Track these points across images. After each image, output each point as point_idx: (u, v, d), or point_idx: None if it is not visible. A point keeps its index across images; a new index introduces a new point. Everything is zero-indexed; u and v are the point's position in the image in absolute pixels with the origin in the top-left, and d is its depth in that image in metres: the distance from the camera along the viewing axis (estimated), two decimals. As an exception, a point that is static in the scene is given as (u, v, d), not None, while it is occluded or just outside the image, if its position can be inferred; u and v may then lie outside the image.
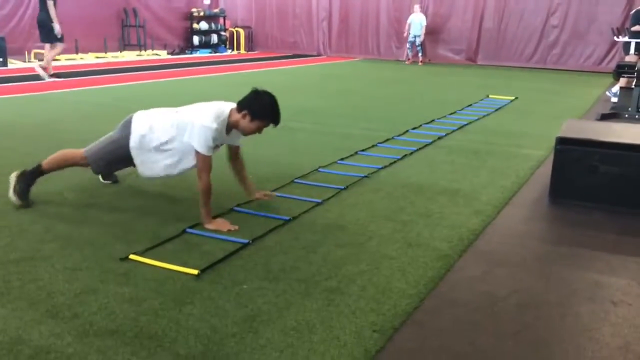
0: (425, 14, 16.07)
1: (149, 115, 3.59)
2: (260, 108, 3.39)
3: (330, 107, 7.89)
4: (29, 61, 12.80)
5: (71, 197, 3.84)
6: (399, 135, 6.04)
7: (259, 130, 3.47)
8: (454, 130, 6.39)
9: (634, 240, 3.42)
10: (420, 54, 15.54)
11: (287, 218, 3.51)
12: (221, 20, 17.98)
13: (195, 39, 16.93)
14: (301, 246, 3.13)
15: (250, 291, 2.61)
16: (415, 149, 5.44)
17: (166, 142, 3.46)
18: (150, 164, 3.54)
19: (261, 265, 2.89)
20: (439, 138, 5.97)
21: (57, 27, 9.68)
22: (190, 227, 3.33)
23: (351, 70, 13.52)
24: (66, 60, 13.18)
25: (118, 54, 14.58)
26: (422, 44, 15.47)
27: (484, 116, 7.39)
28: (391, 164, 4.89)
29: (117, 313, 2.39)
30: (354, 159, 5.05)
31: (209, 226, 3.35)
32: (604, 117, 7.40)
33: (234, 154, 3.77)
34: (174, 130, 3.44)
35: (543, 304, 2.60)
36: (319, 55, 17.68)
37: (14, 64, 12.19)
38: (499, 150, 5.52)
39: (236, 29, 18.17)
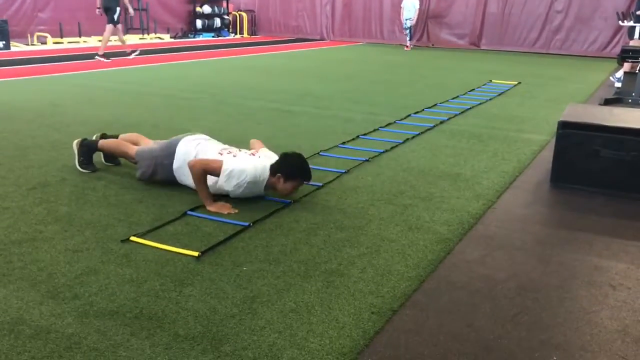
0: (429, -2, 16.01)
1: (197, 145, 3.70)
2: (290, 170, 3.50)
3: (332, 91, 7.87)
4: (31, 44, 12.76)
5: (73, 180, 3.84)
6: (400, 120, 6.02)
7: (294, 189, 3.56)
8: (456, 115, 6.37)
9: (635, 224, 3.41)
10: (408, 39, 15.22)
11: (288, 201, 3.51)
12: (224, 3, 17.88)
13: (198, 23, 16.86)
14: (302, 229, 3.14)
15: (250, 273, 2.62)
16: (417, 133, 5.43)
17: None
18: (190, 184, 3.63)
19: (261, 247, 2.90)
20: (441, 122, 5.95)
21: (118, 11, 10.69)
22: (191, 210, 3.34)
23: (354, 55, 13.45)
24: (69, 44, 13.14)
25: (120, 37, 14.51)
26: (412, 28, 15.18)
27: (486, 101, 7.36)
28: (392, 148, 4.88)
29: (117, 294, 2.41)
30: (355, 143, 5.05)
31: (210, 208, 3.39)
32: (608, 102, 7.36)
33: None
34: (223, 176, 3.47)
35: (542, 287, 2.61)
36: (322, 39, 17.60)
37: (17, 46, 12.16)
38: (501, 134, 5.50)
39: (239, 12, 18.08)
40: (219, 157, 3.52)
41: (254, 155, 3.63)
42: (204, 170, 3.42)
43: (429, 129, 5.63)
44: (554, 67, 11.78)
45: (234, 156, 3.55)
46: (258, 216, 3.28)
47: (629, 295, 2.55)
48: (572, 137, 3.93)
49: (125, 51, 11.11)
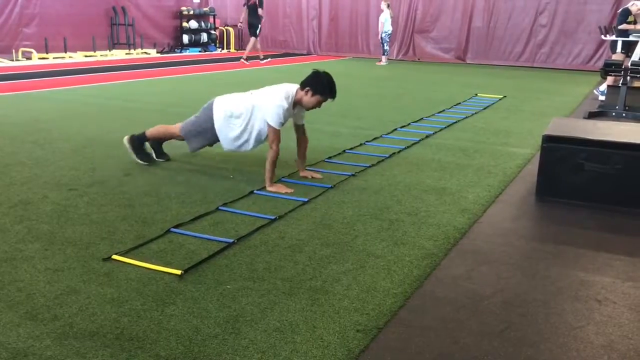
0: (415, 12, 16.12)
1: (228, 100, 4.21)
2: (319, 85, 4.01)
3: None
4: (16, 59, 12.69)
5: (54, 197, 3.79)
6: (387, 134, 6.03)
7: (318, 104, 4.09)
8: (442, 129, 6.39)
9: (619, 238, 3.42)
10: (386, 54, 15.02)
11: (273, 217, 3.49)
12: (211, 19, 17.89)
13: (185, 38, 16.85)
14: (287, 245, 3.11)
15: (233, 291, 2.59)
16: (403, 147, 5.43)
17: (243, 123, 4.13)
18: (232, 141, 4.20)
19: (246, 264, 2.86)
20: (427, 136, 5.96)
21: (259, 27, 14.05)
22: (175, 227, 3.30)
23: (341, 69, 13.48)
24: (54, 59, 13.08)
25: (107, 52, 14.48)
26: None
27: (472, 114, 7.39)
28: (379, 162, 4.88)
29: (97, 314, 2.36)
30: (341, 157, 5.04)
31: (270, 188, 3.95)
32: (592, 115, 7.43)
33: (301, 132, 4.37)
34: (249, 111, 4.10)
35: (528, 302, 2.59)
36: (309, 53, 17.64)
37: (1, 62, 12.07)
38: (487, 148, 5.52)
39: (226, 27, 18.10)
40: (249, 106, 4.08)
41: (274, 88, 4.12)
42: (278, 143, 4.00)
43: (415, 143, 5.63)
44: (539, 80, 11.88)
45: (260, 94, 4.08)
46: (242, 232, 3.25)
47: (614, 310, 2.54)
48: (556, 150, 3.94)
49: (259, 56, 14.18)
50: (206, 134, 4.28)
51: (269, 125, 4.03)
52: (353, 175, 4.47)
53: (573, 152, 3.89)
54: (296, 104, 4.11)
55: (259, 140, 4.25)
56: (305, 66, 14.05)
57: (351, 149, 5.33)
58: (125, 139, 4.58)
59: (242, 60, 13.84)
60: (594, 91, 9.70)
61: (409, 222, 3.50)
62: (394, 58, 16.35)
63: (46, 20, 13.51)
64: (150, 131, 4.58)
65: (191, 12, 17.10)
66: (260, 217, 3.50)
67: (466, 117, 7.19)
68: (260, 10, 14.10)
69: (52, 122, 6.21)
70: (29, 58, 12.87)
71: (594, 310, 2.53)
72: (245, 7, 14.29)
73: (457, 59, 15.86)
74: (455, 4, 15.66)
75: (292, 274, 2.77)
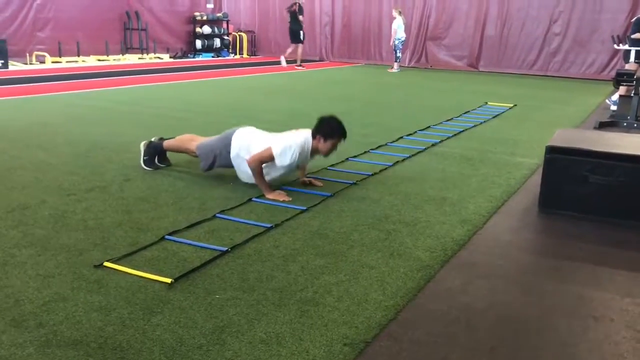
0: (427, 19, 16.08)
1: (248, 135, 4.24)
2: (329, 130, 4.09)
3: (325, 112, 7.76)
4: (30, 63, 12.80)
5: (53, 202, 3.79)
6: (392, 142, 5.98)
7: (334, 147, 4.13)
8: (448, 137, 6.33)
9: (622, 252, 3.35)
10: (397, 61, 14.91)
11: (269, 225, 3.46)
12: (224, 24, 17.97)
13: (198, 43, 16.93)
14: (281, 255, 3.08)
15: (222, 301, 2.56)
16: (407, 155, 5.38)
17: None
18: (245, 172, 4.18)
19: (237, 274, 2.83)
20: (433, 145, 5.91)
21: (301, 33, 14.74)
22: (169, 234, 3.28)
23: (351, 76, 13.47)
24: (67, 63, 13.19)
25: (120, 57, 14.58)
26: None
27: (480, 123, 7.33)
28: (381, 171, 4.84)
29: (83, 322, 2.34)
30: (344, 165, 5.00)
31: (269, 196, 3.97)
32: (603, 125, 7.33)
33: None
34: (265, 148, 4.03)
35: (522, 318, 2.54)
36: (321, 60, 17.65)
37: (15, 65, 12.20)
38: (492, 158, 5.45)
39: (239, 33, 18.16)
40: (266, 144, 4.03)
41: (294, 132, 4.16)
42: (260, 160, 3.98)
43: (420, 152, 5.58)
44: (551, 89, 11.77)
45: (278, 138, 4.07)
46: (237, 241, 3.22)
47: (611, 327, 2.47)
48: (560, 162, 3.88)
49: (295, 61, 14.80)
50: (221, 159, 4.29)
51: (269, 147, 3.97)
52: (354, 183, 4.43)
53: (576, 163, 3.83)
54: (313, 153, 4.18)
55: (275, 177, 4.19)
56: (318, 72, 14.06)
57: (354, 156, 5.29)
58: (143, 144, 4.63)
59: (296, 66, 14.54)
60: (606, 101, 9.59)
61: (407, 233, 3.46)
62: (406, 65, 16.30)
63: (60, 24, 13.63)
64: (168, 143, 4.62)
65: (204, 18, 17.18)
66: (257, 225, 3.47)
67: (474, 126, 7.12)
68: (300, 17, 14.58)
69: (58, 126, 6.24)
70: (43, 62, 12.99)
71: (589, 328, 2.47)
72: (288, 12, 14.83)
73: (469, 66, 15.78)
74: (468, 11, 15.59)
75: (284, 285, 2.73)
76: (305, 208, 3.80)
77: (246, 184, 4.27)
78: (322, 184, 4.33)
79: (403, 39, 14.70)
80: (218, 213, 3.66)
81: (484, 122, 7.46)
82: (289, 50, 14.92)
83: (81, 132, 5.96)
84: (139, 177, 4.41)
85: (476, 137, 6.47)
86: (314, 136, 4.09)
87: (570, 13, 14.41)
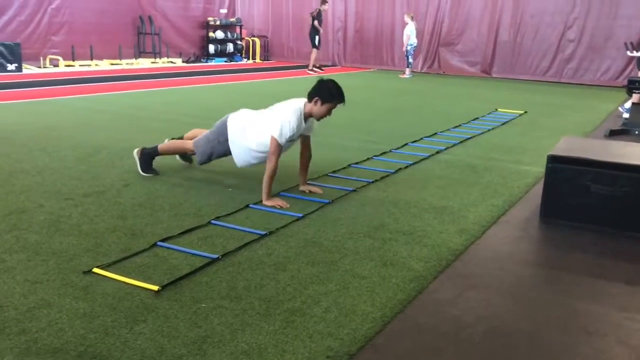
0: (440, 25, 16.00)
1: (241, 117, 4.26)
2: (326, 92, 4.02)
3: (332, 118, 7.75)
4: (44, 66, 12.92)
5: (50, 206, 3.79)
6: (397, 149, 5.93)
7: (329, 111, 4.08)
8: (454, 144, 6.26)
9: (621, 264, 3.27)
10: (408, 67, 14.76)
11: (263, 232, 3.43)
12: (237, 29, 18.02)
13: (211, 48, 16.98)
14: (272, 263, 3.05)
15: (208, 310, 2.53)
16: (411, 162, 5.33)
17: (255, 140, 4.13)
18: (243, 156, 4.23)
19: (226, 282, 2.80)
20: (438, 152, 5.85)
21: (317, 38, 14.75)
22: (162, 241, 3.26)
23: (362, 81, 13.43)
24: (80, 67, 13.29)
25: (133, 61, 14.67)
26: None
27: (488, 130, 7.25)
28: (382, 178, 4.79)
29: (65, 330, 2.32)
30: (346, 172, 4.96)
31: (267, 203, 3.94)
32: (614, 133, 7.22)
33: (306, 144, 4.32)
34: (261, 128, 4.09)
35: (513, 331, 2.48)
36: (333, 65, 17.63)
37: (29, 69, 12.31)
38: (497, 165, 5.38)
39: (252, 38, 18.21)
40: (261, 125, 4.08)
41: (285, 104, 4.15)
42: (276, 156, 3.98)
43: (424, 159, 5.53)
44: (564, 96, 11.64)
45: (271, 114, 4.08)
46: (229, 248, 3.19)
47: (604, 343, 2.41)
48: (561, 171, 3.81)
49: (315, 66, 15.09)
50: (219, 148, 4.31)
51: (272, 137, 3.99)
52: (354, 190, 4.39)
53: (579, 173, 3.76)
54: (307, 117, 4.13)
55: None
56: (333, 78, 14.01)
57: (357, 163, 5.25)
58: (135, 152, 4.61)
59: (308, 70, 14.81)
60: (619, 108, 9.45)
61: (402, 242, 3.41)
62: (419, 71, 16.22)
63: (74, 28, 13.74)
64: (163, 146, 4.62)
65: (218, 23, 17.24)
66: (251, 232, 3.44)
67: (482, 133, 7.05)
68: (315, 22, 14.64)
69: (64, 129, 6.27)
70: (56, 65, 13.10)
71: (582, 343, 2.41)
72: (310, 17, 15.02)
73: (482, 72, 15.66)
74: (482, 17, 15.49)
75: (272, 294, 2.70)
76: (301, 215, 3.77)
77: (243, 191, 4.25)
78: (321, 191, 4.30)
79: (415, 44, 14.65)
80: (213, 219, 3.63)
81: (492, 129, 7.39)
82: (313, 55, 15.15)
83: (86, 136, 5.98)
84: (138, 182, 4.40)
85: (482, 144, 6.40)
86: (310, 98, 4.05)
87: (585, 19, 14.26)
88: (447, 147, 6.09)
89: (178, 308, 2.53)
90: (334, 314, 2.53)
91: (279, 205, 3.92)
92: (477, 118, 8.17)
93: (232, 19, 17.94)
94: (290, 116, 4.00)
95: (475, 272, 3.07)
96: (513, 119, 8.29)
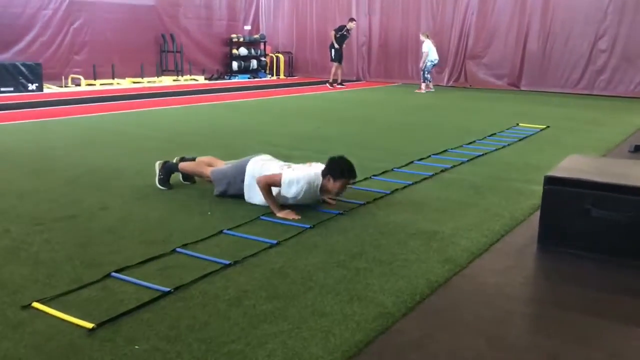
0: (467, 37, 15.65)
1: (262, 163, 4.30)
2: (337, 171, 4.06)
3: (343, 135, 7.56)
4: (65, 86, 13.04)
5: (15, 232, 3.63)
6: (399, 167, 5.64)
7: (343, 187, 4.11)
8: (462, 162, 5.94)
9: (622, 300, 2.92)
10: (429, 81, 14.27)
11: (227, 262, 3.19)
12: (261, 45, 17.98)
13: (234, 64, 16.97)
14: (227, 297, 2.80)
15: (139, 353, 2.29)
16: (410, 182, 5.03)
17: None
18: (256, 199, 4.24)
19: (170, 319, 2.57)
20: (442, 171, 5.54)
21: (333, 51, 14.89)
22: (117, 271, 3.05)
23: (383, 96, 13.17)
24: (101, 86, 13.37)
25: (155, 79, 14.72)
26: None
27: (503, 147, 6.89)
28: (375, 199, 4.51)
29: (-25, 376, 2.12)
30: (338, 193, 4.69)
31: (278, 214, 3.99)
32: (638, 149, 6.78)
33: None
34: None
35: (478, 382, 2.18)
36: (358, 80, 17.41)
37: (50, 88, 12.42)
38: (504, 185, 5.04)
39: (276, 54, 18.14)
40: (279, 171, 4.09)
41: (308, 166, 4.20)
42: (268, 183, 4.03)
43: (425, 178, 5.22)
44: (593, 109, 11.16)
45: (292, 169, 4.12)
46: (187, 279, 2.96)
47: (581, 398, 2.08)
48: (559, 194, 3.48)
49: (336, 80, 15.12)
50: (234, 187, 4.34)
51: (282, 176, 4.02)
52: (340, 213, 4.13)
53: (578, 195, 3.42)
54: (323, 190, 4.16)
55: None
56: (351, 93, 13.82)
57: (353, 183, 4.97)
58: (158, 164, 4.70)
59: (327, 84, 14.90)
60: (650, 121, 8.96)
61: (378, 273, 3.12)
62: (444, 85, 15.88)
63: (96, 48, 13.86)
64: (184, 165, 4.69)
65: (241, 40, 17.23)
66: (215, 262, 3.20)
67: (496, 150, 6.70)
68: (335, 36, 14.78)
69: (64, 149, 6.16)
70: (78, 84, 13.20)
71: (555, 398, 2.09)
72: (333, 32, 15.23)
73: (510, 85, 15.23)
74: (509, 28, 15.09)
75: (215, 334, 2.45)
76: (275, 242, 3.52)
77: (223, 215, 4.03)
78: (334, 203, 4.34)
79: (436, 61, 14.19)
80: (179, 247, 3.41)
81: (508, 145, 7.03)
82: (333, 69, 15.10)
83: (84, 156, 5.85)
84: (117, 206, 4.23)
85: (493, 162, 6.06)
86: (324, 175, 4.08)
87: (617, 28, 13.74)
88: (454, 166, 5.77)
89: (108, 350, 2.31)
90: (278, 359, 2.27)
91: (291, 217, 3.96)
92: (495, 134, 7.80)
93: (255, 36, 17.93)
94: (305, 181, 4.00)
95: (450, 308, 2.77)
96: (533, 134, 7.90)
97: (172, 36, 15.36)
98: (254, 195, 4.23)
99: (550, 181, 3.50)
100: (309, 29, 18.34)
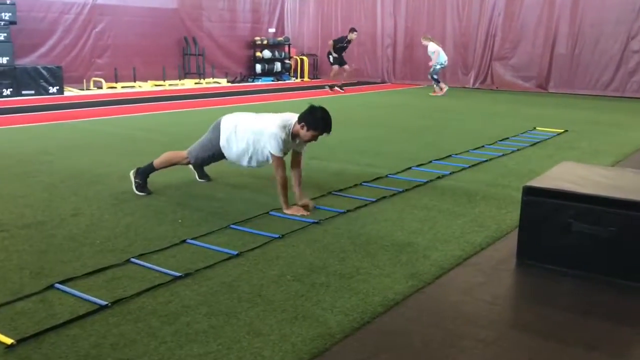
0: (493, 38, 15.25)
1: (234, 120, 4.37)
2: (313, 120, 4.07)
3: (345, 139, 7.33)
4: (87, 89, 13.16)
5: (-23, 239, 3.57)
6: (394, 173, 5.42)
7: (314, 138, 4.17)
8: (463, 168, 5.68)
9: (598, 323, 2.66)
10: (442, 82, 13.75)
11: (177, 274, 3.05)
12: (286, 48, 17.89)
13: (258, 67, 16.91)
14: (165, 313, 2.66)
15: (49, 374, 2.17)
16: (400, 190, 4.81)
17: (246, 143, 4.25)
18: (235, 157, 4.35)
19: (95, 337, 2.44)
20: (439, 177, 5.30)
21: (331, 58, 14.19)
22: (61, 282, 2.94)
23: (401, 98, 12.89)
24: (122, 88, 13.46)
25: (177, 82, 14.76)
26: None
27: (511, 152, 6.60)
28: (358, 207, 4.31)
29: None
30: (322, 200, 4.51)
31: (287, 211, 4.06)
32: (656, 155, 6.41)
33: (296, 161, 4.36)
34: (252, 134, 4.22)
35: (403, 417, 1.98)
36: (383, 82, 17.15)
37: (71, 91, 12.54)
38: (500, 193, 4.79)
39: (301, 57, 18.02)
40: (252, 123, 4.24)
41: (277, 116, 4.26)
42: (282, 169, 4.10)
43: (418, 185, 5.00)
44: (621, 111, 10.69)
45: (263, 124, 4.17)
46: (129, 292, 2.83)
47: None
48: (538, 205, 3.23)
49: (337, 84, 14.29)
50: (212, 149, 4.43)
51: (271, 154, 4.13)
52: (317, 222, 3.95)
53: (558, 208, 3.17)
54: (294, 136, 4.18)
55: (261, 161, 4.34)
56: (372, 95, 13.60)
57: (340, 190, 4.79)
58: (131, 173, 4.60)
59: (328, 88, 14.34)
60: (676, 125, 8.51)
61: (334, 288, 2.94)
62: (470, 86, 15.51)
63: (118, 51, 13.95)
64: (158, 162, 4.60)
65: (265, 42, 17.16)
66: (166, 274, 3.07)
67: (503, 155, 6.42)
68: (331, 44, 14.24)
69: (55, 154, 6.12)
70: (100, 87, 13.32)
71: None
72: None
73: (538, 87, 14.76)
74: (537, 29, 14.63)
75: (137, 355, 2.31)
76: (236, 253, 3.36)
77: (195, 223, 3.90)
78: (308, 213, 4.15)
79: (446, 63, 13.67)
80: (135, 257, 3.29)
81: (517, 150, 6.73)
82: (341, 72, 14.55)
83: (72, 161, 5.80)
84: (89, 212, 4.13)
85: (496, 168, 5.79)
86: (299, 121, 4.12)
87: (650, 28, 13.17)
88: (453, 172, 5.52)
89: (17, 370, 2.19)
90: (194, 384, 2.11)
91: (299, 214, 4.03)
92: (507, 138, 7.50)
93: (280, 38, 17.82)
94: (278, 130, 4.07)
95: (400, 329, 2.56)
96: (547, 139, 7.57)
97: (194, 39, 15.38)
98: (231, 152, 4.33)
99: (529, 191, 3.26)
100: (334, 32, 18.14)
